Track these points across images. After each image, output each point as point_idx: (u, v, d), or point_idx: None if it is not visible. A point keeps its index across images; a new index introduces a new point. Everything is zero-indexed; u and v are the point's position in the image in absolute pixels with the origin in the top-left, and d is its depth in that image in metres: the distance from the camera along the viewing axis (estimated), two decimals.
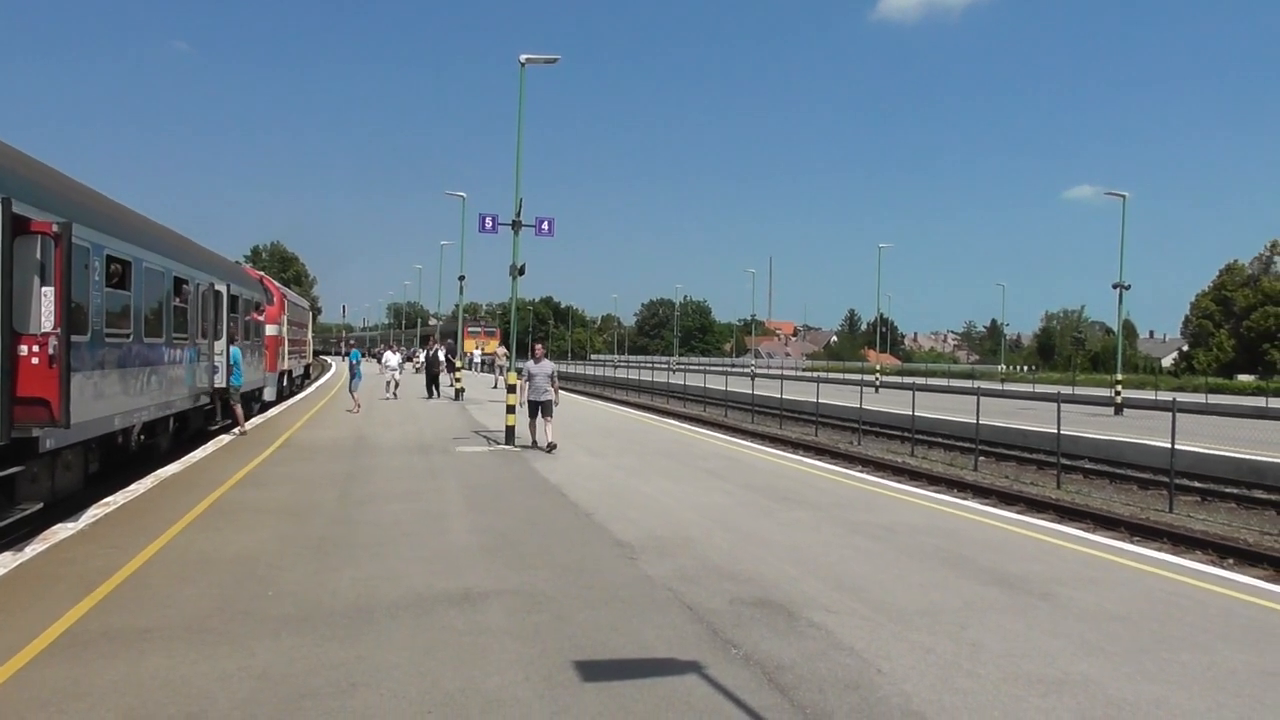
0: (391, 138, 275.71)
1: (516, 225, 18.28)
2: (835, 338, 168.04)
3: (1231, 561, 11.22)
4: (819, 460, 18.75)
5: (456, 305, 45.07)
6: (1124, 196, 34.52)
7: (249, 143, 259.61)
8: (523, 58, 18.11)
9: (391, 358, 30.75)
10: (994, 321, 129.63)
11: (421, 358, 46.98)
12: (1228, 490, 16.68)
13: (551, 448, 16.17)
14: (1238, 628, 6.56)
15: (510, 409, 17.70)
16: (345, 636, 5.96)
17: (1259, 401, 41.69)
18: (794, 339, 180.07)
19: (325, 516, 10.16)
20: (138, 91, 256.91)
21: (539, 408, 16.69)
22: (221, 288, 19.44)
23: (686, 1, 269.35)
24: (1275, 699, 5.09)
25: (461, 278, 35.75)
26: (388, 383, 30.12)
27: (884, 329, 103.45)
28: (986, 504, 13.98)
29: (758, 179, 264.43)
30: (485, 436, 19.04)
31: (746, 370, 71.15)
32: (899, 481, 15.96)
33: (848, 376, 69.11)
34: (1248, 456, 18.08)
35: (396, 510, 10.55)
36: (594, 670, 5.40)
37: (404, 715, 4.70)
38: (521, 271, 18.65)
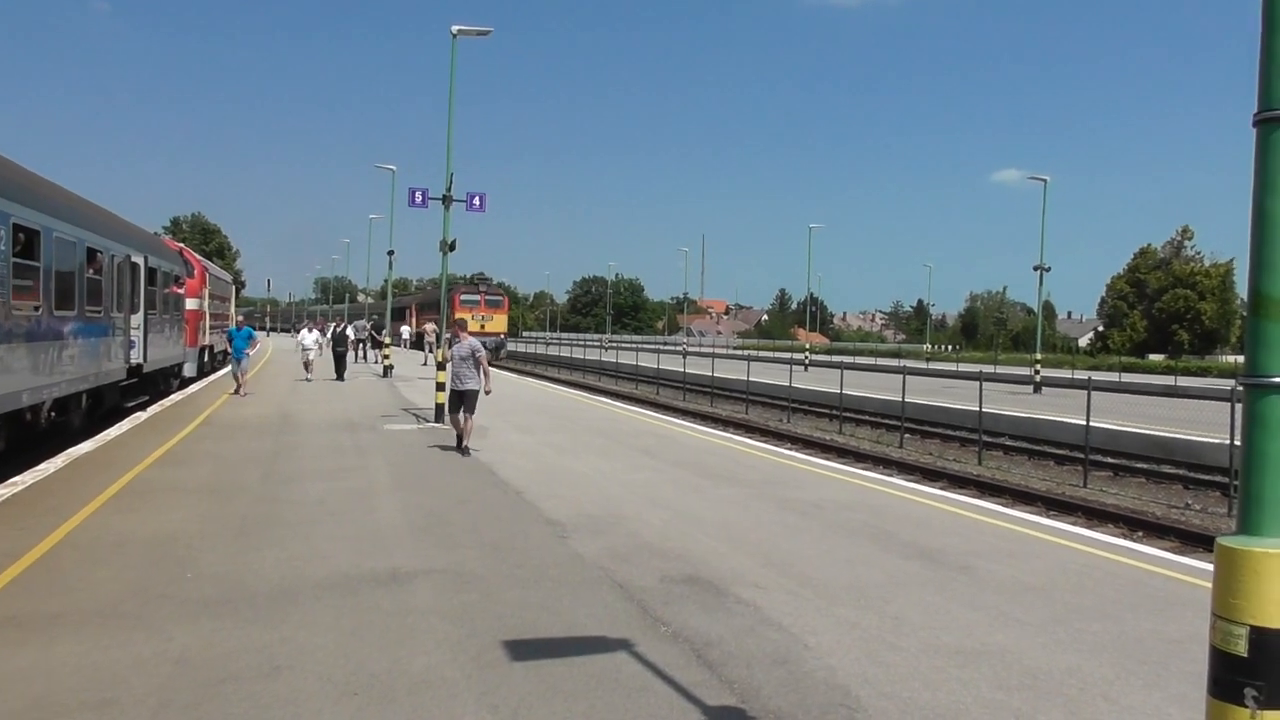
0: (319, 108, 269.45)
1: (447, 200, 18.05)
2: (766, 317, 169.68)
3: (1141, 534, 11.64)
4: (749, 438, 18.95)
5: (385, 280, 43.22)
6: (1045, 181, 35.35)
7: (170, 110, 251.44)
8: (454, 29, 17.82)
9: (308, 336, 28.46)
10: (920, 302, 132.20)
11: (352, 334, 45.60)
12: (1138, 466, 17.29)
13: (464, 451, 13.22)
14: (1145, 598, 6.81)
15: (440, 386, 17.50)
16: (268, 619, 5.85)
17: (1168, 380, 43.25)
18: (726, 317, 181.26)
19: (248, 495, 9.94)
20: (52, 51, 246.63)
21: (460, 399, 13.42)
22: (139, 260, 18.83)
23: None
24: (1179, 665, 5.29)
25: (390, 253, 35.28)
26: (305, 363, 27.72)
27: (814, 308, 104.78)
28: (911, 480, 14.27)
29: (691, 157, 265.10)
30: (414, 414, 18.82)
31: (679, 348, 71.46)
32: (827, 459, 16.22)
33: (778, 355, 69.87)
34: (1157, 433, 18.75)
35: (322, 489, 10.37)
36: (523, 650, 5.38)
37: (328, 698, 4.63)
38: (452, 247, 18.45)
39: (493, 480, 11.22)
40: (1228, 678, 2.22)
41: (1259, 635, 2.17)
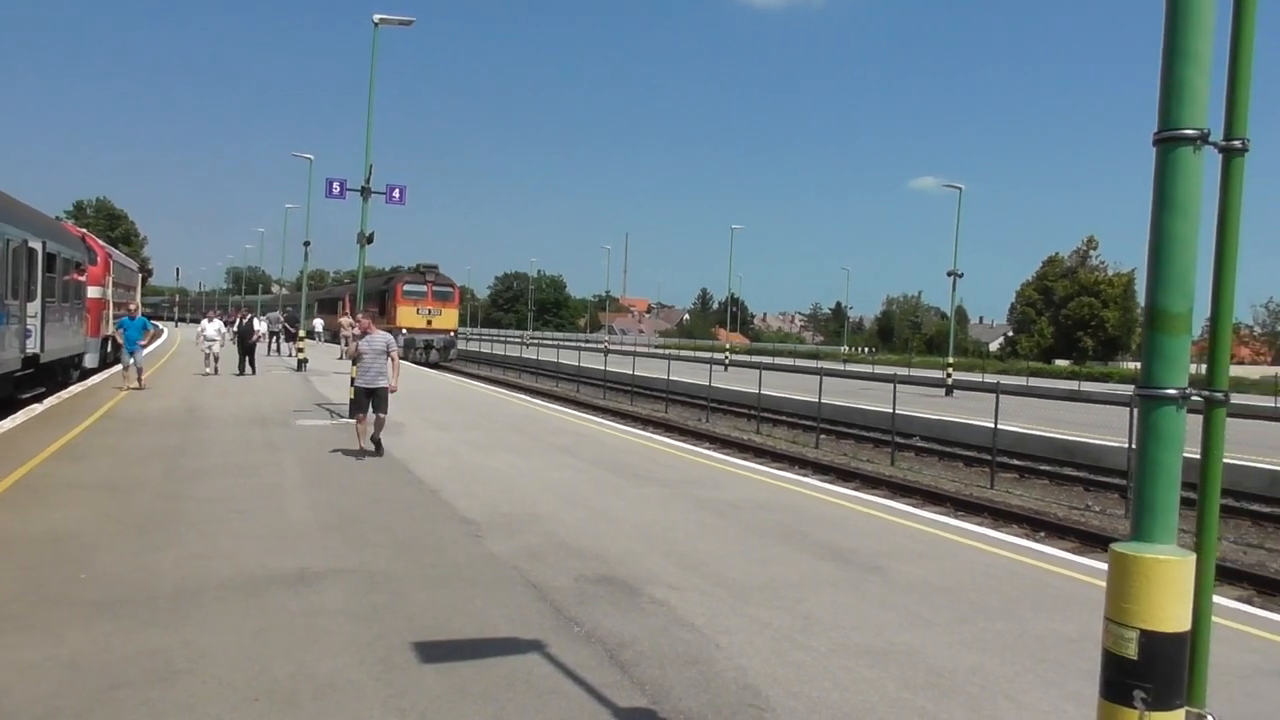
0: (234, 95, 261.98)
1: (366, 192, 17.72)
2: (688, 316, 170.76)
3: (1044, 534, 12.01)
4: (669, 437, 19.02)
5: (301, 272, 41.78)
6: (960, 189, 36.26)
7: (75, 90, 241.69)
8: (376, 18, 17.49)
9: (210, 327, 26.49)
10: (839, 304, 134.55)
11: (265, 326, 43.98)
12: (1042, 468, 17.85)
13: (377, 447, 12.64)
14: (1046, 597, 7.02)
15: (353, 380, 17.14)
16: (167, 621, 5.65)
17: (1073, 385, 44.79)
18: (648, 316, 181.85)
19: (150, 492, 9.60)
20: None
21: (370, 397, 12.59)
22: (36, 245, 18.05)
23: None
24: (1076, 663, 5.46)
25: (307, 243, 34.32)
26: (206, 356, 25.85)
27: (734, 309, 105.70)
28: (826, 480, 14.49)
29: (616, 155, 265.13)
30: (328, 409, 18.42)
31: (600, 346, 71.48)
32: (745, 458, 16.37)
33: (699, 354, 70.40)
34: (1060, 436, 19.38)
35: (229, 486, 10.07)
36: (433, 651, 5.30)
37: (228, 703, 4.48)
38: (370, 240, 18.11)
39: (408, 478, 11.04)
40: (1118, 680, 2.29)
41: (1148, 639, 2.24)
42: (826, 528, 9.25)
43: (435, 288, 47.01)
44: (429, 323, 45.78)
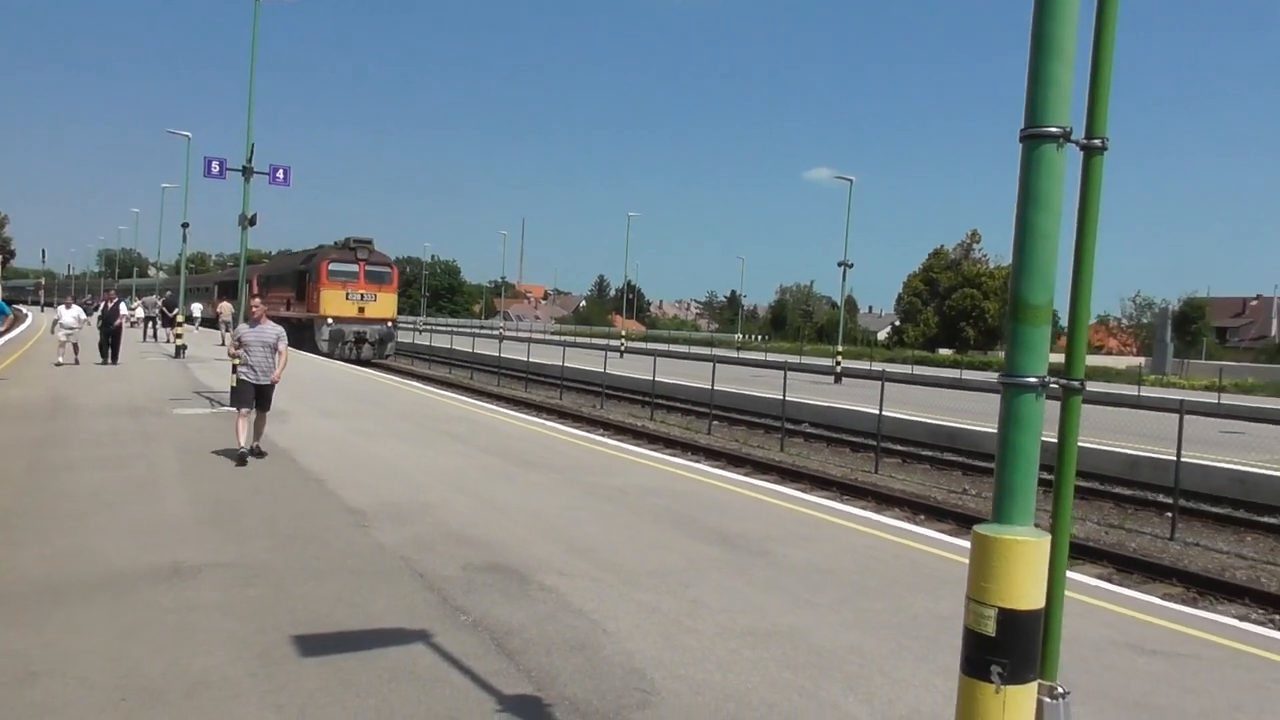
0: (106, 69, 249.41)
1: (247, 172, 17.11)
2: (584, 303, 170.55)
3: (923, 517, 12.43)
4: (562, 424, 18.97)
5: (180, 255, 39.77)
6: (851, 180, 37.11)
7: None
8: None
9: (68, 314, 24.24)
10: (733, 292, 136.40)
11: (142, 311, 41.84)
12: (924, 453, 18.47)
13: (256, 453, 11.26)
14: (923, 577, 7.28)
15: (235, 367, 16.57)
16: (28, 621, 5.37)
17: (955, 373, 46.42)
18: (544, 302, 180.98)
19: (11, 487, 9.11)
20: None
21: (254, 394, 11.31)
22: None
23: None
24: (947, 640, 5.68)
25: (185, 225, 32.94)
26: (63, 344, 23.75)
27: (631, 296, 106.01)
28: (717, 466, 14.69)
29: (514, 140, 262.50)
30: (208, 397, 17.78)
31: (495, 332, 70.83)
32: (638, 445, 16.45)
33: (595, 341, 70.43)
34: (942, 423, 20.09)
35: (99, 479, 9.63)
36: (315, 645, 5.18)
37: (92, 705, 4.30)
38: (252, 222, 17.51)
39: (292, 468, 10.74)
40: (978, 656, 2.39)
41: (1006, 616, 2.35)
42: (716, 513, 9.38)
43: (369, 267, 38.15)
44: (361, 310, 37.19)
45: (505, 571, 6.81)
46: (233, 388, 16.26)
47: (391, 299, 39.05)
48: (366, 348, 36.82)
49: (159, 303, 41.39)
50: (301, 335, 36.15)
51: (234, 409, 11.54)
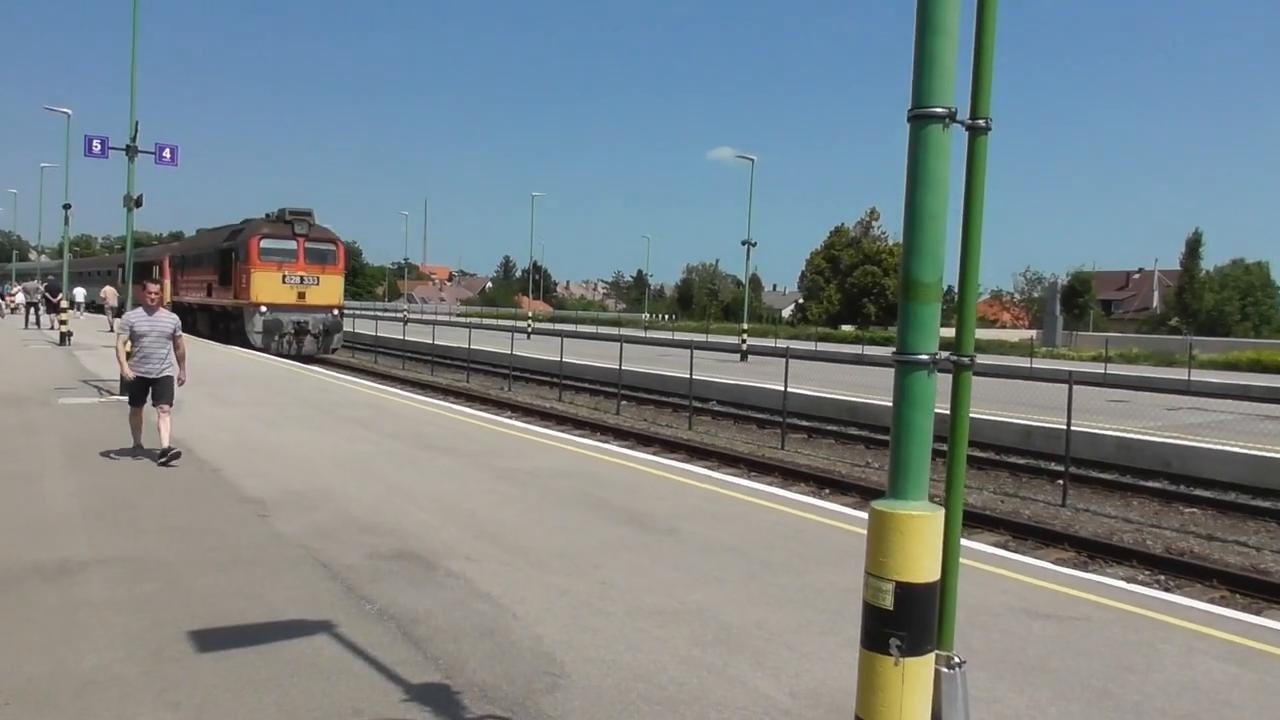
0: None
1: (132, 151, 16.39)
2: (490, 284, 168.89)
3: (828, 491, 12.70)
4: (469, 407, 18.78)
5: (63, 238, 37.80)
6: (753, 160, 37.46)
7: None
8: None
9: None
10: (640, 272, 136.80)
11: (23, 297, 39.66)
12: (829, 428, 18.86)
13: (169, 455, 9.95)
14: (827, 551, 7.44)
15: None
16: None
17: (857, 349, 47.47)
18: (449, 284, 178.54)
19: None
20: None
21: (150, 389, 10.29)
22: None
23: None
24: (851, 611, 5.81)
25: (67, 206, 31.39)
26: None
27: (537, 276, 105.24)
28: (626, 446, 14.73)
29: (416, 118, 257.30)
30: (96, 386, 17.05)
31: (399, 314, 69.62)
32: (547, 426, 16.40)
33: (501, 323, 69.83)
34: (846, 398, 20.53)
35: None
36: (211, 640, 5.02)
37: None
38: (138, 203, 16.78)
39: (188, 458, 10.37)
40: (877, 629, 2.44)
41: (903, 590, 2.41)
42: (625, 493, 9.41)
43: (309, 244, 31.96)
44: (301, 296, 31.37)
45: (411, 558, 6.71)
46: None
47: (337, 282, 32.89)
48: (309, 340, 31.25)
49: (41, 288, 39.49)
50: (229, 326, 32.73)
51: (127, 403, 10.54)
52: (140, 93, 16.46)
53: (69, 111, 31.00)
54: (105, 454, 10.43)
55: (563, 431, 15.63)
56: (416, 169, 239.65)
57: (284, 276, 31.31)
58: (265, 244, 31.32)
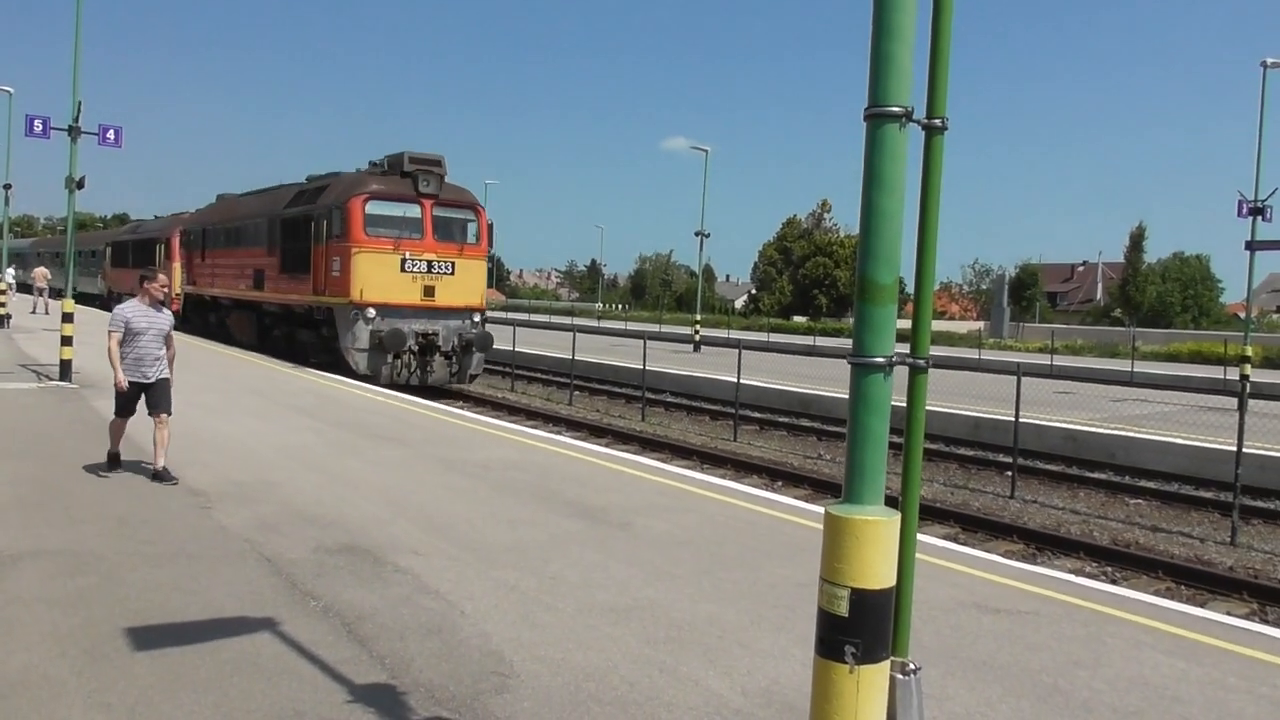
0: None
1: (74, 131, 15.89)
2: None
3: (780, 483, 12.74)
4: (419, 396, 18.55)
5: (2, 219, 36.41)
6: (706, 150, 37.45)
7: None
8: None
9: None
10: (594, 261, 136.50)
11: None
12: (781, 420, 18.93)
13: (165, 476, 8.55)
14: (780, 545, 7.43)
15: (67, 340, 15.49)
16: None
17: (809, 340, 47.79)
18: None
19: None
20: None
21: (146, 394, 8.73)
22: None
23: None
24: (805, 608, 5.80)
25: (7, 186, 30.48)
26: None
27: (491, 265, 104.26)
28: (578, 438, 14.64)
29: (366, 104, 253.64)
30: (35, 371, 16.57)
31: None
32: (498, 417, 16.26)
33: None
34: (797, 390, 20.63)
35: None
36: (148, 637, 4.87)
37: None
38: (80, 185, 16.30)
39: (128, 447, 10.05)
40: (832, 636, 2.40)
41: (858, 596, 2.36)
42: (577, 485, 9.34)
43: (439, 209, 20.54)
44: (428, 292, 20.17)
45: (358, 553, 6.58)
46: (64, 360, 15.29)
47: (479, 271, 21.42)
48: (438, 362, 20.34)
49: None
50: (302, 337, 22.05)
51: (113, 413, 8.89)
52: (86, 72, 15.96)
53: (10, 90, 30.03)
54: (41, 442, 10.11)
55: (514, 422, 15.51)
56: (367, 152, 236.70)
57: (404, 261, 19.71)
58: (375, 208, 19.70)
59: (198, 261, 29.43)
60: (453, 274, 20.45)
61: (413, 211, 20.07)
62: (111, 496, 7.92)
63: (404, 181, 20.18)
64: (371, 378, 19.07)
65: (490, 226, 21.37)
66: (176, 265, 30.70)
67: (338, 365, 19.85)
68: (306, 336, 21.91)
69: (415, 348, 19.78)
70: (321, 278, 20.49)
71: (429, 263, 20.07)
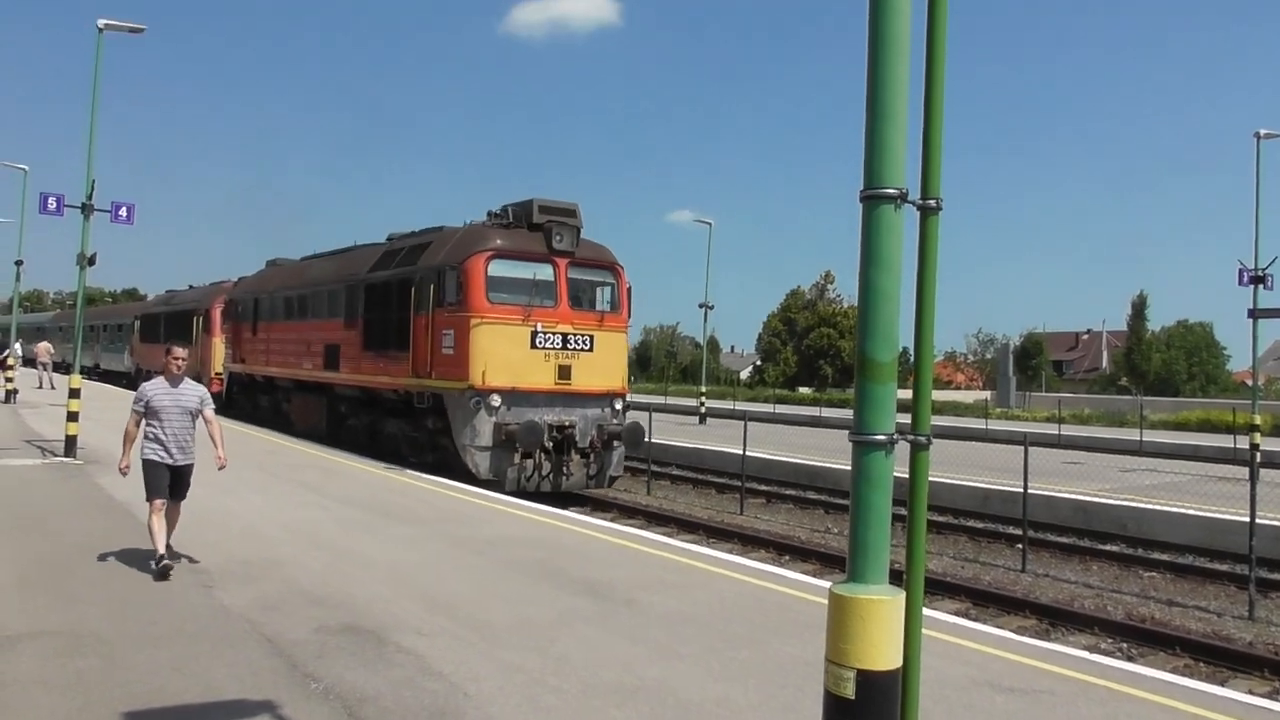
0: None
1: (88, 209, 16.16)
2: None
3: (788, 558, 12.60)
4: (424, 471, 18.48)
5: (14, 293, 36.72)
6: (710, 224, 37.93)
7: None
8: (101, 23, 16.09)
9: None
10: None
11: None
12: (787, 492, 18.80)
13: (166, 565, 7.89)
14: (789, 622, 7.32)
15: (73, 415, 15.53)
16: None
17: (814, 411, 47.70)
18: None
19: None
20: None
21: (172, 477, 8.17)
22: None
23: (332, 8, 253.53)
24: (813, 687, 5.65)
25: (19, 262, 30.86)
26: None
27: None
28: (583, 512, 14.53)
29: (370, 176, 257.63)
30: (40, 447, 16.58)
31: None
32: (501, 492, 16.15)
33: None
34: (804, 461, 20.53)
35: None
36: None
37: None
38: (91, 261, 16.52)
39: (130, 524, 10.03)
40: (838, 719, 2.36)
41: (864, 677, 2.33)
42: (582, 562, 9.25)
43: (575, 271, 16.89)
44: (563, 374, 16.25)
45: (361, 633, 6.50)
46: (69, 436, 15.31)
47: (620, 345, 17.49)
48: (574, 459, 16.31)
49: None
50: (400, 429, 18.11)
51: (145, 498, 8.15)
52: (101, 150, 16.30)
53: (25, 168, 30.64)
54: (43, 518, 10.07)
55: (520, 498, 15.39)
56: (377, 227, 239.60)
57: (535, 335, 15.94)
58: (500, 268, 16.02)
59: (247, 336, 25.65)
60: (591, 350, 16.51)
61: (544, 273, 16.26)
62: (113, 574, 7.86)
63: (533, 236, 16.38)
64: (495, 483, 15.34)
65: (629, 290, 17.49)
66: (217, 340, 28.10)
67: (444, 466, 16.26)
68: (399, 429, 18.15)
69: (552, 439, 15.82)
70: (425, 356, 16.46)
71: (564, 336, 16.20)
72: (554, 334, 16.03)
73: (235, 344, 26.66)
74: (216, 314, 28.89)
